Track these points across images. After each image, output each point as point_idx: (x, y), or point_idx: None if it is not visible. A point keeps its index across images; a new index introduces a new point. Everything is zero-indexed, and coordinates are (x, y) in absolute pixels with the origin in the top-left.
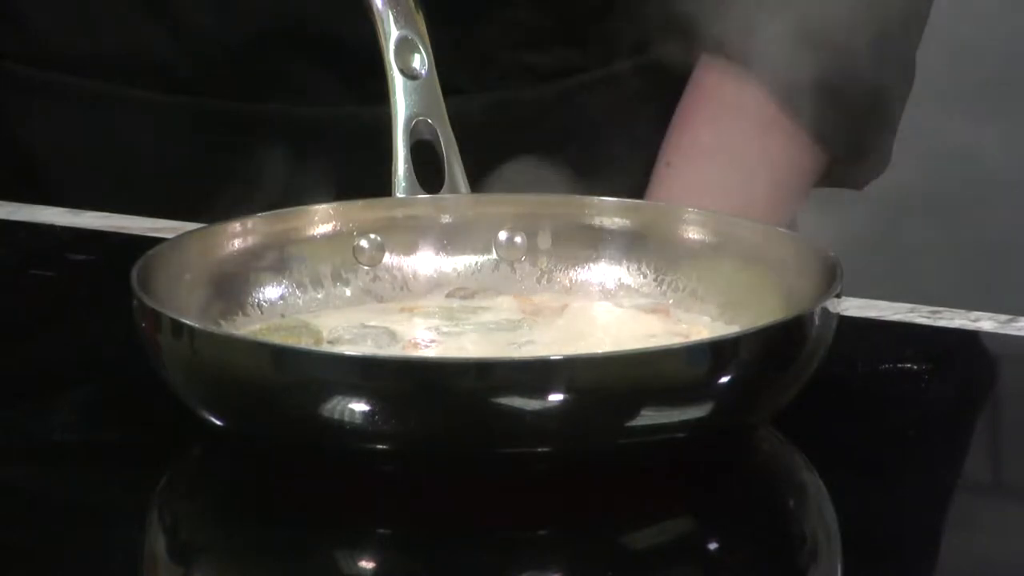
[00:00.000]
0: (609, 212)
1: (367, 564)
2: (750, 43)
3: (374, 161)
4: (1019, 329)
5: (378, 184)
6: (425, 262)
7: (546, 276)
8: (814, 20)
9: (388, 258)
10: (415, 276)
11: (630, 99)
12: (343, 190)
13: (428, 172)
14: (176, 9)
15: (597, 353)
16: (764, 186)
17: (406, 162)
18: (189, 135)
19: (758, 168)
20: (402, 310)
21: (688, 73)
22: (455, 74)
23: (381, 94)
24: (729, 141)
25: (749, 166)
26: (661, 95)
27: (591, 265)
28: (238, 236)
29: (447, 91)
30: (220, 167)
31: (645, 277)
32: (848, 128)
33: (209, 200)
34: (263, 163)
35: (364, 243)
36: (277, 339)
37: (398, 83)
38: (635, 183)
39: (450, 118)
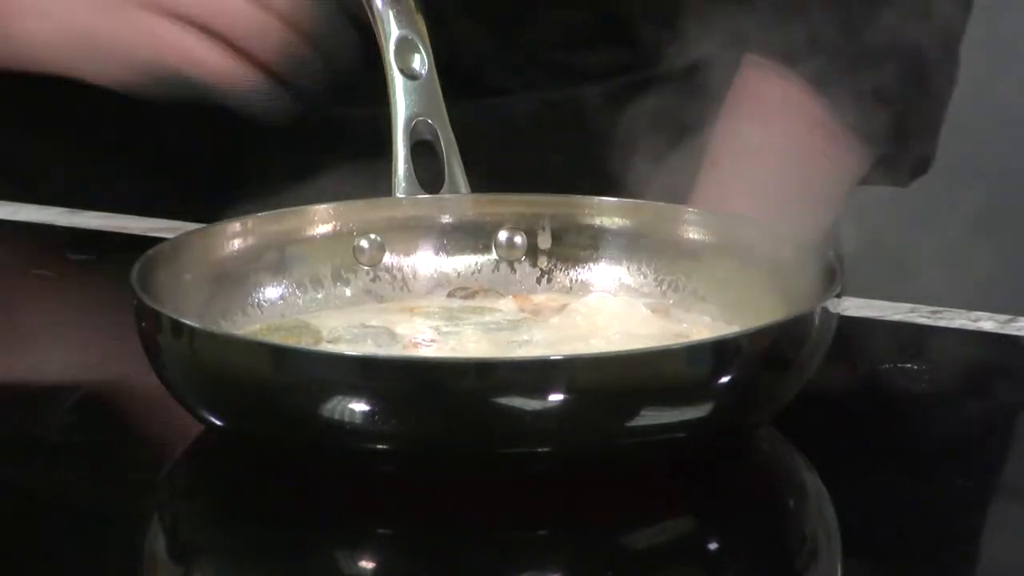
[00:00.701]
0: (609, 212)
1: (367, 564)
2: (795, 44)
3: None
4: (1019, 329)
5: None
6: (425, 262)
7: (546, 276)
8: (858, 20)
9: (388, 258)
10: (415, 276)
11: (675, 99)
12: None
13: (428, 172)
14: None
15: (597, 353)
16: (810, 185)
17: (406, 162)
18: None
19: (804, 167)
20: (402, 310)
21: (731, 73)
22: (502, 75)
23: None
24: (775, 141)
25: (795, 165)
26: (706, 95)
27: (591, 265)
28: (238, 236)
29: (494, 91)
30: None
31: (645, 277)
32: (893, 127)
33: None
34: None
35: (364, 243)
36: (277, 339)
37: (398, 83)
38: (680, 183)
39: (497, 118)
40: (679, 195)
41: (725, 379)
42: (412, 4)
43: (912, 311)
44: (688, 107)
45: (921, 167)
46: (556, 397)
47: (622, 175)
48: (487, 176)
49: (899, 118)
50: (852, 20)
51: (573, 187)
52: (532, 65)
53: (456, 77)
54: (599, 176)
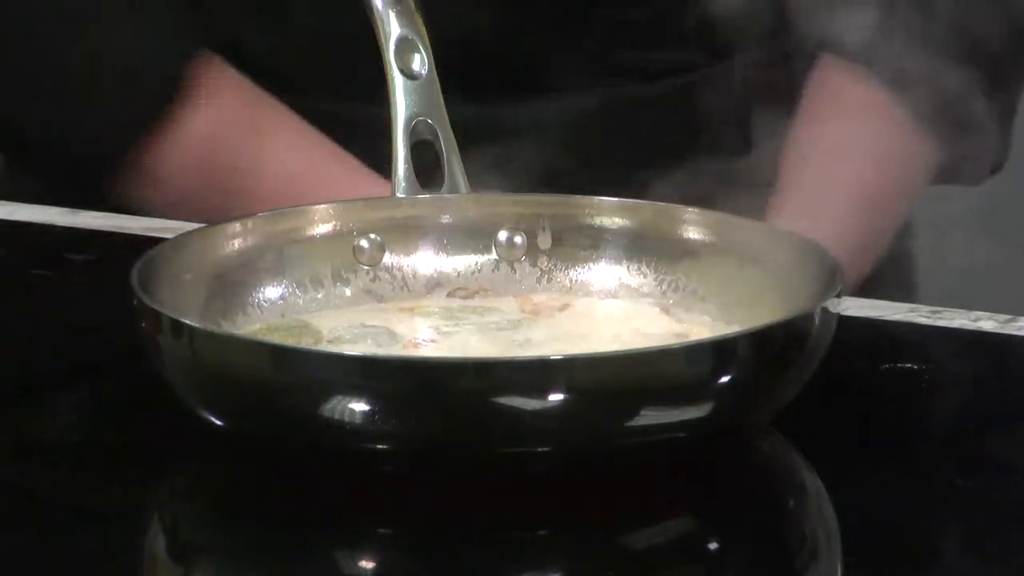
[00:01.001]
0: (609, 212)
1: (367, 564)
2: (872, 44)
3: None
4: (1019, 329)
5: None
6: (425, 262)
7: (546, 276)
8: (935, 19)
9: (388, 258)
10: (415, 276)
11: (741, 97)
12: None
13: (428, 172)
14: (278, 9)
15: (597, 353)
16: (893, 183)
17: (406, 162)
18: None
19: (887, 166)
20: (402, 310)
21: (797, 70)
22: (566, 73)
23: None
24: (860, 140)
25: (879, 164)
26: (773, 93)
27: (591, 265)
28: (238, 236)
29: (557, 89)
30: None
31: (645, 277)
32: (969, 125)
33: None
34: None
35: (364, 243)
36: (277, 339)
37: (398, 83)
38: (750, 180)
39: (561, 117)
40: (750, 193)
41: (725, 379)
42: (412, 4)
43: (912, 311)
44: (753, 105)
45: (996, 165)
46: (556, 397)
47: (686, 172)
48: (545, 174)
49: (974, 115)
50: (926, 18)
51: (633, 184)
52: (596, 64)
53: (520, 75)
54: (659, 174)
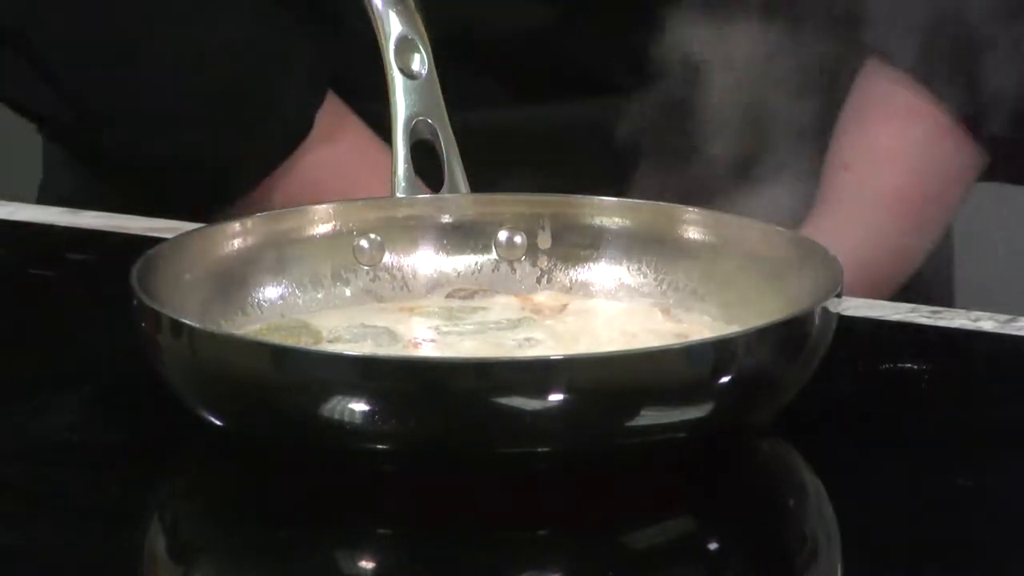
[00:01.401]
0: (609, 212)
1: (367, 564)
2: (918, 50)
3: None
4: (1019, 329)
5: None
6: (425, 262)
7: (546, 276)
8: (980, 24)
9: (388, 258)
10: (415, 276)
11: (783, 96)
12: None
13: (428, 172)
14: (338, 11)
15: (597, 353)
16: (937, 189)
17: (406, 162)
18: None
19: (932, 171)
20: (402, 310)
21: (845, 71)
22: (613, 72)
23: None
24: (905, 146)
25: (924, 169)
26: (819, 92)
27: (591, 265)
28: (238, 236)
29: (605, 89)
30: None
31: (645, 277)
32: (1012, 130)
33: None
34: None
35: (364, 243)
36: (277, 339)
37: (398, 83)
38: (791, 176)
39: (607, 115)
40: (791, 188)
41: (725, 379)
42: (412, 4)
43: (912, 311)
44: (796, 104)
45: None
46: (556, 397)
47: (734, 168)
48: (601, 176)
49: (1017, 121)
50: (971, 23)
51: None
52: (643, 63)
53: (576, 76)
54: (715, 176)
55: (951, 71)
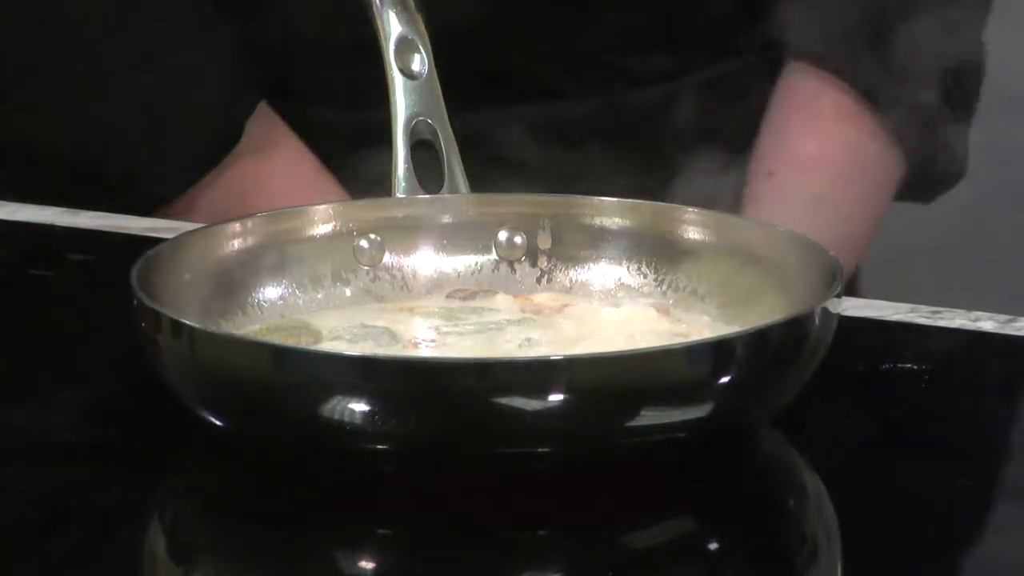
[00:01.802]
0: (609, 212)
1: (367, 564)
2: (844, 52)
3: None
4: (1019, 329)
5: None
6: (425, 262)
7: (546, 276)
8: (904, 28)
9: (388, 258)
10: (415, 276)
11: (728, 103)
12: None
13: (428, 172)
14: (280, 14)
15: (597, 353)
16: (864, 194)
17: (406, 162)
18: None
19: (859, 177)
20: (402, 310)
21: (775, 81)
22: (557, 79)
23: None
24: (832, 151)
25: (851, 175)
26: (756, 99)
27: (591, 265)
28: (238, 236)
29: (549, 96)
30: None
31: (645, 277)
32: (931, 135)
33: None
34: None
35: (364, 243)
36: (277, 339)
37: (398, 83)
38: (731, 187)
39: (551, 123)
40: (725, 200)
41: (725, 379)
42: (412, 4)
43: (912, 311)
44: (739, 112)
45: (954, 178)
46: (556, 397)
47: (672, 179)
48: (538, 179)
49: (935, 126)
50: (894, 27)
51: (625, 190)
52: (587, 70)
53: (512, 81)
54: (649, 180)
55: (877, 71)
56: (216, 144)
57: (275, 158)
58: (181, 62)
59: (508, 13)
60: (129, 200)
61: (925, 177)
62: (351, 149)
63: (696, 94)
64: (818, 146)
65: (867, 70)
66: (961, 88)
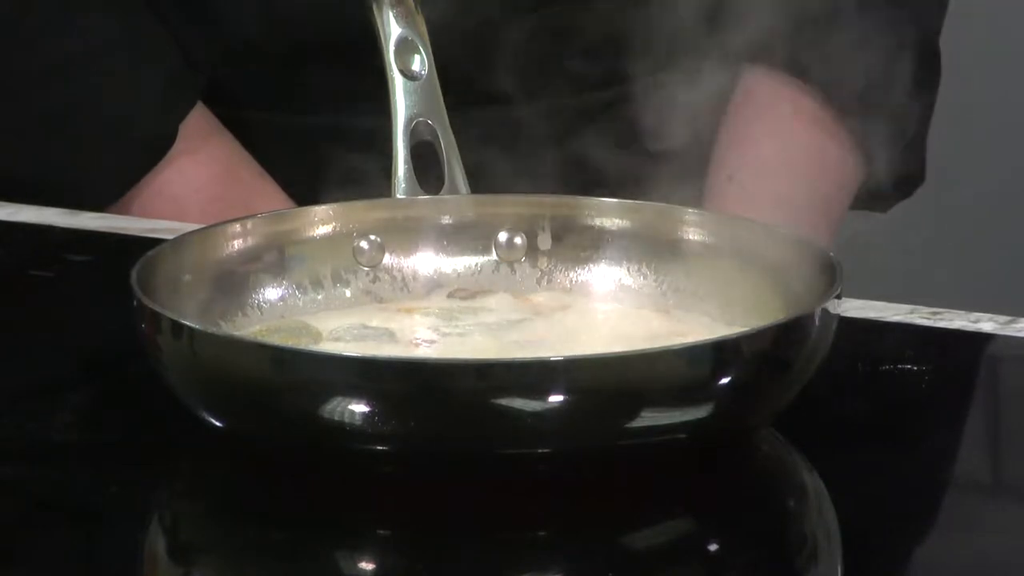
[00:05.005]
0: (609, 212)
1: (367, 564)
2: (803, 54)
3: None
4: (1019, 330)
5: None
6: (425, 262)
7: (546, 277)
8: (858, 25)
9: (388, 259)
10: (415, 277)
11: (676, 108)
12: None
13: (428, 173)
14: (218, 18)
15: (597, 354)
16: (826, 196)
17: (406, 163)
18: None
19: (818, 181)
20: (402, 311)
21: (731, 83)
22: (503, 83)
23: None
24: (792, 154)
25: (812, 177)
26: (707, 105)
27: (591, 265)
28: (238, 237)
29: (495, 100)
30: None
31: (645, 277)
32: (888, 135)
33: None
34: (305, 174)
35: (364, 244)
36: (277, 340)
37: (398, 83)
38: (684, 193)
39: (497, 127)
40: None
41: (725, 380)
42: (412, 4)
43: (912, 312)
44: (689, 117)
45: (909, 186)
46: (556, 398)
47: (621, 183)
48: (491, 183)
49: (892, 126)
50: (852, 27)
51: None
52: (532, 74)
53: (458, 85)
54: (600, 184)
55: (837, 72)
56: (149, 149)
57: (211, 161)
58: (113, 67)
59: (452, 17)
60: (65, 205)
61: (885, 181)
62: (292, 152)
63: (641, 100)
64: (778, 149)
65: (823, 71)
66: (919, 87)
